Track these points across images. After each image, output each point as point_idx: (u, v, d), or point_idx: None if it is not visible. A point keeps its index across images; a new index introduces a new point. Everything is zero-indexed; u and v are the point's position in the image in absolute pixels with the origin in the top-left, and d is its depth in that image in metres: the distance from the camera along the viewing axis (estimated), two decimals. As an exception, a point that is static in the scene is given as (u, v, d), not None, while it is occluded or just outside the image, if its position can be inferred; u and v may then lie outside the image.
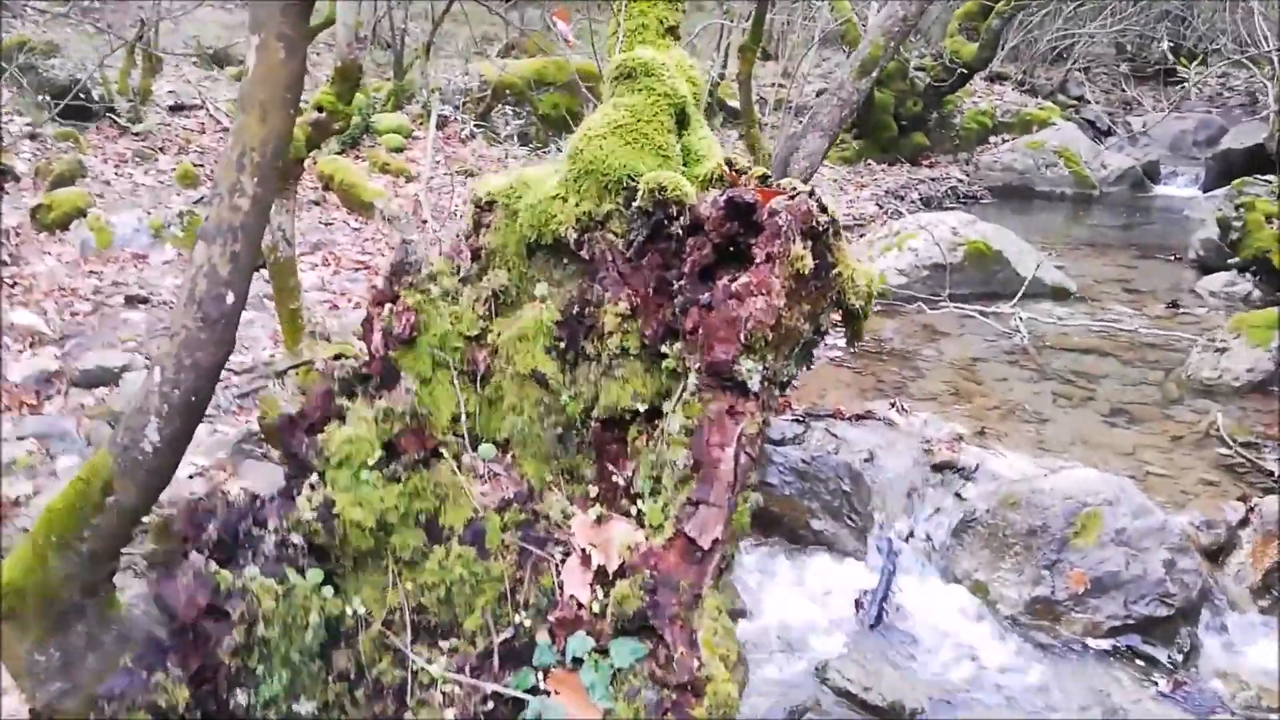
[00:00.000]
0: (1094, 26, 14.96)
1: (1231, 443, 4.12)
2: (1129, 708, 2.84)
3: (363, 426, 2.02)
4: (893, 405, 4.50)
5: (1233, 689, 2.91)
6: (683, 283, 1.96)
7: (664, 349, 1.98)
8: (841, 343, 5.56)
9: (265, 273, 4.18)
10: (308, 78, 2.16)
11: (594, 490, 2.10)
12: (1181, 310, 6.38)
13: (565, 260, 2.18)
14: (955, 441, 4.15)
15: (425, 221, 7.02)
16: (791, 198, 1.87)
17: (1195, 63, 13.38)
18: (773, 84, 11.92)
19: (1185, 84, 13.25)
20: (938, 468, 3.96)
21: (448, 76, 10.48)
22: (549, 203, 2.12)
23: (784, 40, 13.60)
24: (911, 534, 3.67)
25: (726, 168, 2.11)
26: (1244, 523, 3.43)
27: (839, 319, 2.13)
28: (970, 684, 3.01)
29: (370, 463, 2.01)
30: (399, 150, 8.76)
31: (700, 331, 1.89)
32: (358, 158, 8.51)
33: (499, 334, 2.13)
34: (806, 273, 1.84)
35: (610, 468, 2.08)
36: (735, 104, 9.92)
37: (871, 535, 3.68)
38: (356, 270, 6.35)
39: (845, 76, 4.73)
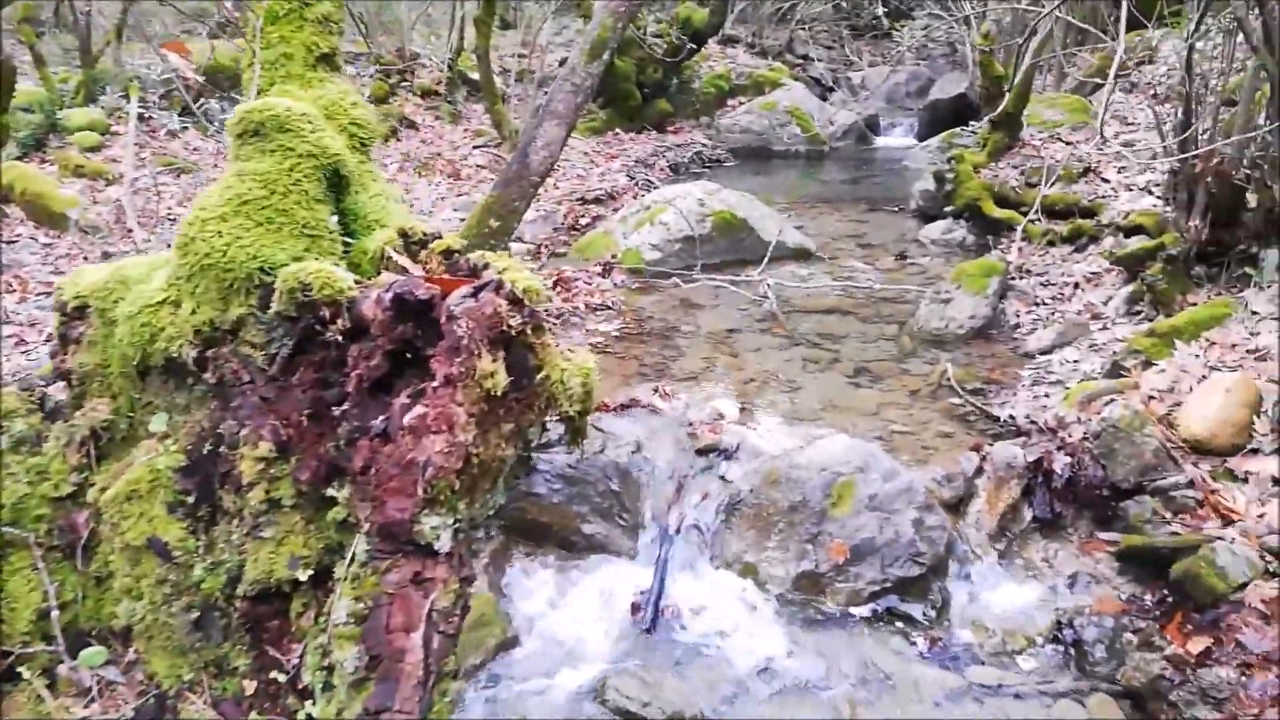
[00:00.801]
0: (812, -13, 15.80)
1: (961, 391, 4.42)
2: (895, 672, 2.95)
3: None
4: (655, 390, 4.48)
5: (981, 637, 3.09)
6: (347, 405, 1.51)
7: (331, 491, 1.53)
8: (605, 326, 5.51)
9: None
10: None
11: (250, 686, 1.65)
12: (909, 261, 6.83)
13: (191, 380, 1.68)
14: (717, 422, 4.18)
15: (131, 230, 6.25)
16: (476, 291, 1.43)
17: (904, 24, 14.43)
18: (515, 54, 11.64)
19: (897, 41, 14.29)
20: (702, 451, 3.96)
21: (149, 62, 9.38)
22: (154, 311, 1.65)
23: (521, 9, 13.31)
24: (681, 525, 3.64)
25: (403, 240, 1.69)
26: (979, 471, 3.66)
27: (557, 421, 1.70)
28: (748, 674, 3.02)
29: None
30: (94, 149, 7.74)
31: (373, 472, 1.44)
32: (44, 162, 7.43)
33: (103, 489, 1.64)
34: (500, 391, 1.45)
35: (272, 652, 1.62)
36: (478, 76, 9.57)
37: (644, 532, 3.62)
38: (50, 294, 5.52)
39: (577, 60, 4.57)
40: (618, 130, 11.10)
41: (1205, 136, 4.16)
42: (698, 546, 3.59)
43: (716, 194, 6.90)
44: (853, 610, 3.29)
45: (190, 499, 1.63)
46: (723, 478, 3.77)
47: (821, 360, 4.97)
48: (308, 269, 1.53)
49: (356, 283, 1.56)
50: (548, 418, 1.64)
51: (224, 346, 1.61)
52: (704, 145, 11.34)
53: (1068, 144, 7.63)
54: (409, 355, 1.50)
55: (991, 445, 3.79)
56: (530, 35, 11.42)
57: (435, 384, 1.43)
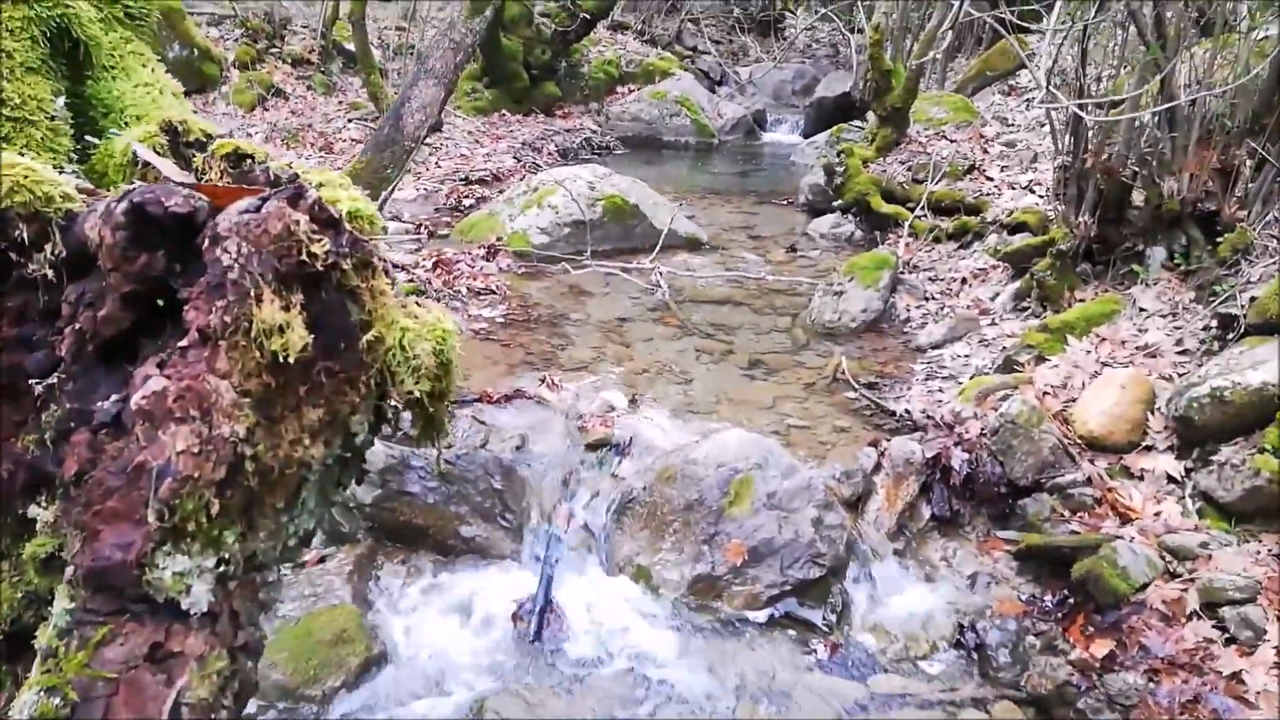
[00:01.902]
0: (702, -21, 15.75)
1: (856, 385, 4.32)
2: (794, 683, 2.78)
3: None
4: (543, 380, 4.20)
5: (883, 643, 2.96)
6: (59, 377, 0.96)
7: (35, 510, 0.98)
8: (488, 311, 5.18)
9: None
10: None
11: None
12: (800, 254, 6.75)
13: None
14: (608, 414, 3.94)
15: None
16: (262, 201, 0.89)
17: (800, 9, 14.53)
18: (396, 27, 11.09)
19: (787, 36, 14.38)
20: (592, 446, 3.73)
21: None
22: None
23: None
24: (569, 526, 3.39)
25: (170, 138, 1.16)
26: (877, 468, 3.55)
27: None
28: (638, 688, 2.79)
29: None
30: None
31: (90, 483, 0.90)
32: None
33: None
34: (297, 355, 0.90)
35: None
36: (354, 46, 9.03)
37: (528, 534, 3.35)
38: None
39: (456, 16, 4.23)
40: (504, 111, 10.70)
41: (1094, 132, 4.18)
42: (587, 549, 3.35)
43: (607, 178, 6.66)
44: (750, 614, 3.11)
45: None
46: (614, 474, 3.54)
47: (715, 351, 4.80)
48: (-10, 164, 0.95)
49: (84, 192, 1.00)
50: (389, 401, 1.03)
51: None
52: (593, 131, 11.07)
53: (952, 141, 7.73)
54: (166, 304, 0.95)
55: (889, 440, 3.68)
56: (412, 6, 10.89)
57: (184, 343, 0.88)
